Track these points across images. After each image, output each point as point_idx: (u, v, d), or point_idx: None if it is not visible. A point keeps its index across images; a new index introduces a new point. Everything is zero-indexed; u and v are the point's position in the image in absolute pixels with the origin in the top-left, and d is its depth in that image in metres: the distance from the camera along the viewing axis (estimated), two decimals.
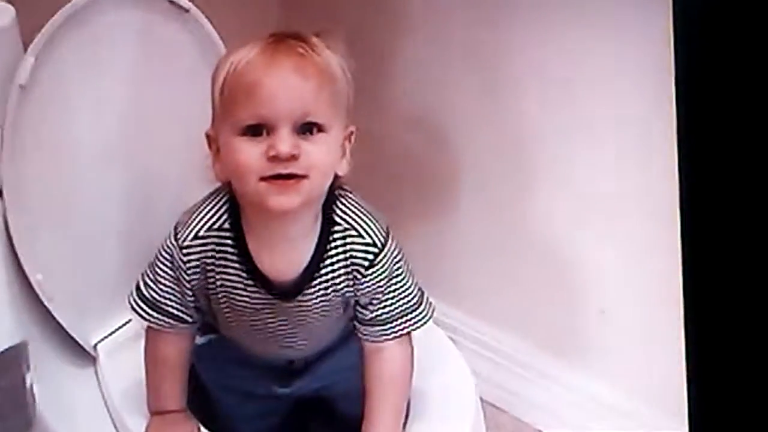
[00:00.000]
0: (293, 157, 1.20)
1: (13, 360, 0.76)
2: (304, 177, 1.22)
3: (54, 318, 1.45)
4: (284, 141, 1.20)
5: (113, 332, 1.53)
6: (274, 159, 1.20)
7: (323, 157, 1.23)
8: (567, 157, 1.63)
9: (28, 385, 0.77)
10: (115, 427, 1.44)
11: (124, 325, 1.53)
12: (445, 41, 1.70)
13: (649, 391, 1.68)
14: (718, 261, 0.87)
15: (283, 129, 1.20)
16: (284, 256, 1.31)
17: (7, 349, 0.75)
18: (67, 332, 1.47)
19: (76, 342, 1.49)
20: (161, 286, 1.34)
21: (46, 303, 1.42)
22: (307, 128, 1.21)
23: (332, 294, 1.34)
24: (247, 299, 1.34)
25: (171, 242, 1.32)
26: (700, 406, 0.91)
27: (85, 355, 1.51)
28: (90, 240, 1.48)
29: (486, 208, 1.76)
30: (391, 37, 1.74)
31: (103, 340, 1.52)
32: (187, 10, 1.49)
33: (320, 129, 1.22)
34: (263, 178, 1.21)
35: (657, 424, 1.67)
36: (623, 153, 1.57)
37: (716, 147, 0.86)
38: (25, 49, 1.34)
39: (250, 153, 1.21)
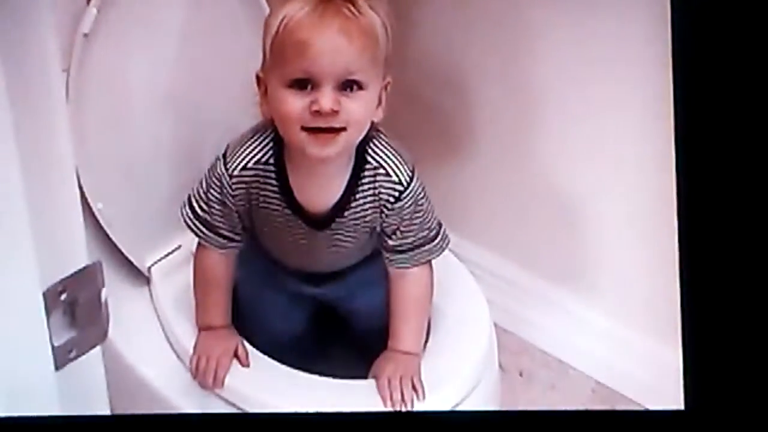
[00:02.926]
0: (334, 113, 1.22)
1: (90, 277, 0.76)
2: (342, 129, 1.24)
3: (112, 242, 1.45)
4: (327, 97, 1.21)
5: (165, 256, 1.54)
6: (317, 113, 1.22)
7: (361, 113, 1.25)
8: (572, 106, 1.63)
9: (103, 299, 0.77)
10: (168, 341, 1.45)
11: (175, 250, 1.54)
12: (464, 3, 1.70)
13: (643, 317, 1.69)
14: (716, 204, 0.86)
15: (327, 86, 1.21)
16: (320, 190, 1.33)
17: (84, 267, 0.75)
18: (123, 255, 1.48)
19: (132, 264, 1.50)
20: (213, 210, 1.35)
21: (106, 229, 1.43)
22: (348, 85, 1.23)
23: (361, 224, 1.35)
24: (284, 225, 1.35)
25: (221, 169, 1.33)
26: (694, 331, 0.90)
27: (140, 277, 1.52)
28: (145, 172, 1.50)
29: (499, 153, 1.76)
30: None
31: (156, 263, 1.53)
32: None
33: (360, 86, 1.23)
34: (305, 128, 1.23)
35: (650, 348, 1.69)
36: (625, 103, 1.57)
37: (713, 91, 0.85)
38: (88, 2, 1.34)
39: (294, 104, 1.22)
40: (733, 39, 0.82)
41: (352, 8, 1.23)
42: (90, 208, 1.40)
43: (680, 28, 0.83)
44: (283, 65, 1.23)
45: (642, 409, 1.68)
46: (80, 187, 1.37)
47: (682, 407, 0.89)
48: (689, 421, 0.88)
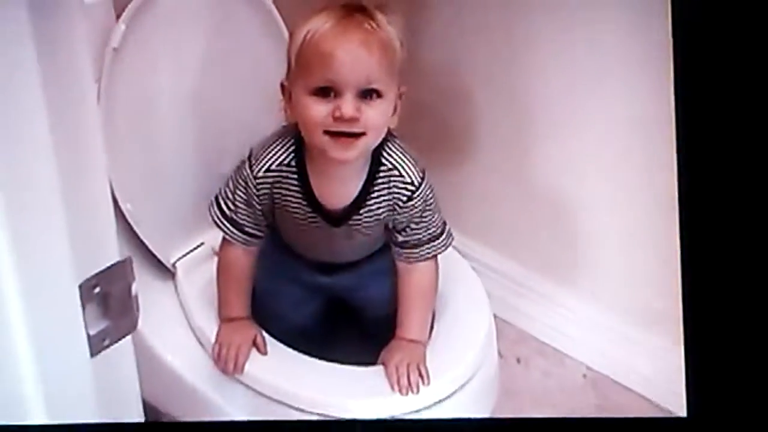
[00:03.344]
0: (355, 119, 1.25)
1: (122, 272, 0.78)
2: (362, 134, 1.27)
3: (140, 240, 1.48)
4: (348, 104, 1.25)
5: (189, 253, 1.57)
6: (339, 119, 1.25)
7: (379, 119, 1.28)
8: (574, 113, 1.65)
9: (133, 292, 0.79)
10: (192, 330, 1.48)
11: (198, 247, 1.57)
12: (465, 16, 1.71)
13: (635, 308, 1.70)
14: (716, 184, 0.85)
15: (348, 93, 1.25)
16: (338, 189, 1.37)
17: (116, 263, 0.78)
18: (150, 252, 1.51)
19: (159, 260, 1.53)
20: (239, 209, 1.39)
21: (134, 228, 1.45)
22: (368, 93, 1.26)
23: (375, 221, 1.39)
24: (304, 222, 1.39)
25: (246, 172, 1.36)
26: (696, 325, 0.88)
27: (165, 272, 1.55)
28: (171, 175, 1.53)
29: (500, 157, 1.78)
30: (418, 11, 1.75)
31: (180, 259, 1.56)
32: None
33: (379, 95, 1.27)
34: (327, 132, 1.27)
35: (641, 337, 1.70)
36: (627, 109, 1.58)
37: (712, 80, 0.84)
38: (118, 18, 1.37)
39: (318, 110, 1.26)
40: (735, 49, 0.82)
41: (372, 23, 1.27)
42: (120, 208, 1.42)
43: (681, 38, 0.83)
44: (307, 74, 1.27)
45: (631, 391, 1.70)
46: (111, 189, 1.39)
47: (682, 407, 0.89)
48: (692, 428, 0.87)
